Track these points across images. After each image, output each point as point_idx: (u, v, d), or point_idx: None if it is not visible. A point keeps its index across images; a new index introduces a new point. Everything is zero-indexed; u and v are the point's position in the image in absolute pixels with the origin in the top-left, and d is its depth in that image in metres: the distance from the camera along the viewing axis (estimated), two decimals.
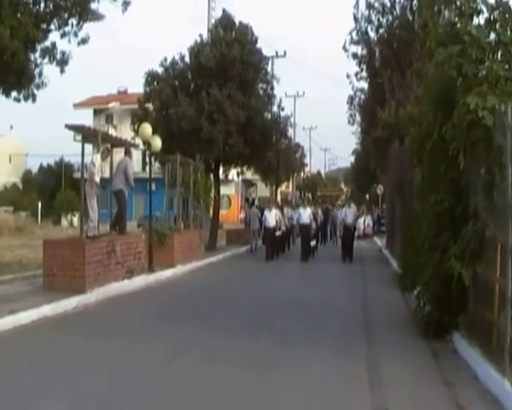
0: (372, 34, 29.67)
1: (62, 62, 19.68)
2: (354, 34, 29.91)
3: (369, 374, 9.65)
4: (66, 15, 18.94)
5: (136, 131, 27.37)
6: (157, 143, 22.58)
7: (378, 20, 29.16)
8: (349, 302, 17.65)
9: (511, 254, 8.47)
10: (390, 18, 28.74)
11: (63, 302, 15.14)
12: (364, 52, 30.28)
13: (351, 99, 34.53)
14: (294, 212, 35.04)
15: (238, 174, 42.80)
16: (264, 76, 36.46)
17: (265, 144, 36.63)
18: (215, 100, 31.40)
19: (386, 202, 45.46)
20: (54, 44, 19.50)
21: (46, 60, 19.41)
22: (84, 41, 19.82)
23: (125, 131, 48.31)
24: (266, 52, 41.24)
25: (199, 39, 34.05)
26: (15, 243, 33.04)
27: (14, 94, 19.40)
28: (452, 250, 10.79)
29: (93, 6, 19.53)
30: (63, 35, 19.33)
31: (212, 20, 39.80)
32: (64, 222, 48.82)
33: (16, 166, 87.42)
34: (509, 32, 10.59)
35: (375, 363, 10.37)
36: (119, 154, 21.48)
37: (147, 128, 22.07)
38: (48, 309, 14.32)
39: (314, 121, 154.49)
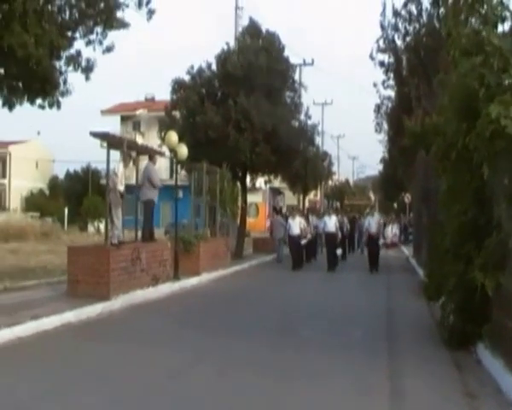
0: (399, 42, 29.48)
1: (87, 70, 19.74)
2: (381, 42, 29.72)
3: (389, 384, 9.58)
4: (91, 23, 19.04)
5: (163, 139, 27.42)
6: (183, 150, 22.62)
7: (405, 27, 28.94)
8: (373, 311, 17.55)
9: None
10: (417, 26, 28.56)
11: (87, 309, 15.21)
12: (391, 60, 30.10)
13: (377, 107, 34.43)
14: (320, 220, 34.62)
15: (265, 182, 42.80)
16: (291, 84, 36.54)
17: (292, 152, 36.56)
18: (242, 108, 31.41)
19: (413, 210, 45.25)
20: (79, 52, 19.60)
21: (71, 67, 19.51)
22: (109, 49, 19.87)
23: (152, 139, 48.44)
24: (294, 60, 41.33)
25: (226, 47, 34.10)
26: (41, 248, 33.24)
27: (38, 101, 19.52)
28: (476, 260, 10.69)
29: (118, 14, 19.61)
30: (88, 43, 19.42)
31: (239, 29, 39.82)
32: (91, 228, 49.07)
33: (43, 171, 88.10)
34: None
35: (397, 373, 10.29)
36: (145, 161, 21.60)
37: (173, 136, 22.12)
38: (71, 316, 14.39)
39: (342, 129, 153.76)
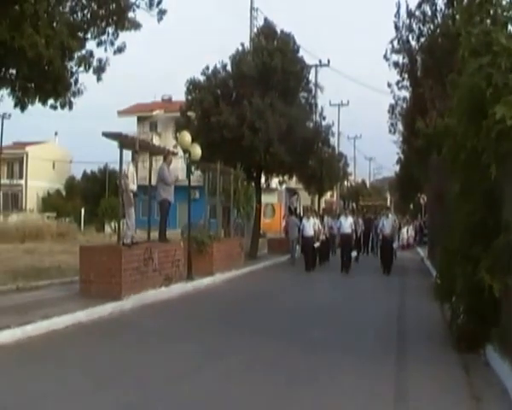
0: (413, 43, 29.47)
1: (99, 70, 19.82)
2: (395, 43, 29.72)
3: (396, 386, 9.58)
4: (103, 24, 19.12)
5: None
6: (197, 151, 22.64)
7: (419, 28, 28.96)
8: (385, 314, 17.52)
9: None
10: (431, 26, 28.53)
11: (98, 309, 15.28)
12: (406, 61, 30.07)
13: (392, 108, 34.32)
14: (335, 221, 34.41)
15: (279, 183, 42.77)
16: (305, 85, 36.53)
17: (307, 153, 36.64)
18: (257, 109, 31.44)
19: (428, 211, 45.09)
20: (90, 53, 19.69)
21: (82, 68, 19.59)
22: (120, 49, 19.94)
23: (169, 139, 48.57)
24: (310, 61, 41.33)
25: (240, 48, 34.15)
26: (57, 248, 33.35)
27: (50, 102, 19.62)
28: (483, 262, 10.66)
29: (130, 15, 19.69)
30: (99, 44, 19.51)
31: (254, 29, 39.84)
32: (107, 229, 49.15)
33: (60, 172, 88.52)
34: None
35: (404, 375, 10.29)
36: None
37: (186, 136, 22.14)
38: (82, 315, 14.45)
39: (359, 130, 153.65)
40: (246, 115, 31.36)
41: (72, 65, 19.44)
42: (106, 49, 19.75)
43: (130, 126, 68.04)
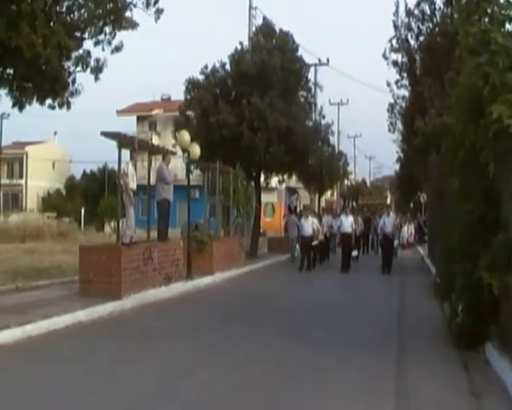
0: (412, 42, 29.46)
1: (96, 70, 19.84)
2: (394, 42, 29.71)
3: (396, 384, 9.61)
4: (100, 24, 19.14)
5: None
6: (196, 150, 22.63)
7: (418, 27, 28.95)
8: (385, 311, 17.55)
9: None
10: (430, 25, 28.52)
11: (98, 308, 15.30)
12: (405, 60, 30.06)
13: (391, 107, 34.30)
14: (335, 220, 34.41)
15: (279, 182, 42.76)
16: (305, 84, 36.49)
17: (306, 152, 36.58)
18: (256, 108, 31.43)
19: (428, 210, 45.05)
20: (88, 52, 19.70)
21: (79, 68, 19.61)
22: (117, 49, 19.97)
23: (168, 139, 48.51)
24: (309, 60, 41.34)
25: (239, 47, 34.13)
26: (57, 248, 33.41)
27: (48, 101, 19.64)
28: (482, 260, 10.67)
29: (127, 14, 19.71)
30: (97, 43, 19.53)
31: (253, 28, 39.83)
32: (107, 228, 49.20)
33: (60, 172, 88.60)
34: None
35: (404, 372, 10.32)
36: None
37: (185, 136, 22.14)
38: (82, 315, 14.47)
39: (359, 129, 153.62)
40: (245, 114, 31.35)
41: (69, 65, 19.47)
42: (103, 49, 19.79)
43: (129, 126, 68.17)
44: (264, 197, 43.58)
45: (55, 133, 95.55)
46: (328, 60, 59.32)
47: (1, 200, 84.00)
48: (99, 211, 55.20)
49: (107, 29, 19.43)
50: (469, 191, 12.04)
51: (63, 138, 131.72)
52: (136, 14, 20.22)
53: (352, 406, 8.55)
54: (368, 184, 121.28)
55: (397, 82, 31.40)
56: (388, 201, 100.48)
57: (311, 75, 41.62)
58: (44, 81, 18.66)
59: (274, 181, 42.55)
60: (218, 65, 34.07)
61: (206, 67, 34.00)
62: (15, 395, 8.70)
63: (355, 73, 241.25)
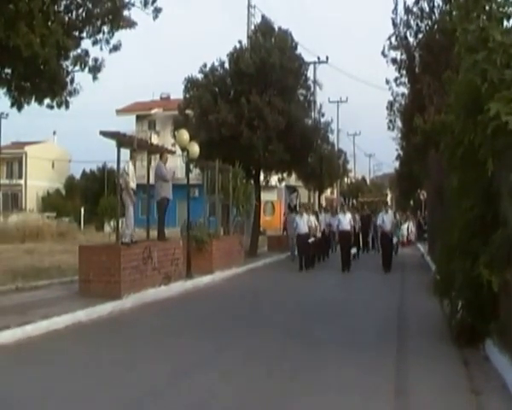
0: (411, 39, 29.42)
1: (95, 69, 19.82)
2: (393, 39, 29.65)
3: (396, 381, 9.60)
4: (98, 23, 19.13)
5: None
6: (195, 149, 22.65)
7: (417, 24, 28.92)
8: (385, 310, 17.53)
9: None
10: (429, 23, 28.50)
11: (98, 308, 15.32)
12: (404, 57, 30.01)
13: (390, 105, 34.19)
14: (334, 218, 34.00)
15: (279, 180, 42.75)
16: (304, 82, 36.47)
17: (306, 150, 36.57)
18: (255, 106, 31.44)
19: (428, 207, 45.02)
20: (86, 52, 19.69)
21: (77, 67, 19.60)
22: (115, 48, 19.93)
23: (167, 138, 48.47)
24: (308, 58, 41.35)
25: (238, 45, 34.12)
26: (57, 248, 33.44)
27: (47, 101, 19.63)
28: (482, 257, 10.67)
29: (125, 13, 19.70)
30: (95, 42, 19.52)
31: (252, 27, 39.81)
32: (107, 228, 49.11)
33: (59, 171, 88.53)
34: None
35: (404, 370, 10.32)
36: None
37: (184, 134, 22.15)
38: (82, 314, 14.48)
39: (358, 127, 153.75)
40: (244, 113, 31.36)
41: (67, 64, 19.43)
42: (101, 48, 19.78)
43: (128, 125, 67.97)
44: (264, 196, 43.57)
45: (55, 133, 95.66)
46: (327, 58, 59.38)
47: (0, 200, 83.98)
48: (99, 211, 55.08)
49: (106, 28, 19.40)
50: (468, 189, 12.04)
51: (62, 138, 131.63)
52: (135, 13, 20.24)
53: (352, 403, 8.54)
54: (368, 181, 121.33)
55: (396, 80, 31.35)
56: (388, 198, 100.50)
57: (310, 73, 41.72)
58: (43, 81, 18.64)
59: (274, 179, 42.55)
60: (217, 64, 34.11)
61: (205, 65, 34.02)
62: (16, 396, 8.69)
63: (354, 71, 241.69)
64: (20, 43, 16.54)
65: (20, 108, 19.38)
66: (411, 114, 28.79)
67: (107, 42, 19.70)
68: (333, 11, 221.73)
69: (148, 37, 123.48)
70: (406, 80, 31.12)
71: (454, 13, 21.24)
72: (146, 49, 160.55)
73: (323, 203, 60.92)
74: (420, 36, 29.07)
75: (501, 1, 11.20)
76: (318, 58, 58.13)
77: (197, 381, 9.50)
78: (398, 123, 35.35)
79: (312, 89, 40.61)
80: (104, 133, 18.05)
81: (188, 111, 35.08)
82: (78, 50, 19.51)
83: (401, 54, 30.10)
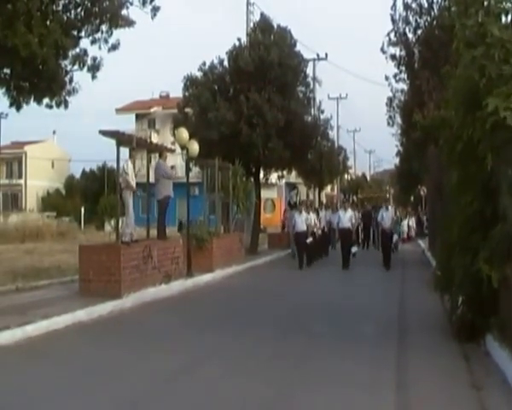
0: (410, 35, 29.39)
1: (93, 68, 19.83)
2: (392, 35, 29.62)
3: (397, 377, 9.65)
4: (97, 22, 19.13)
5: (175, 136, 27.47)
6: (195, 147, 22.64)
7: (416, 20, 28.89)
8: (385, 305, 17.54)
9: None
10: (428, 18, 28.48)
11: (98, 307, 15.30)
12: (403, 53, 29.99)
13: (390, 101, 34.18)
14: (334, 215, 33.71)
15: (279, 178, 42.75)
16: (303, 79, 36.44)
17: (305, 147, 36.59)
18: (254, 104, 31.43)
19: (428, 203, 45.02)
20: (85, 51, 19.70)
21: (76, 66, 19.60)
22: (114, 47, 19.95)
23: (167, 136, 48.44)
24: (307, 55, 41.33)
25: (237, 43, 34.10)
26: (57, 248, 33.43)
27: (46, 101, 19.64)
28: (482, 253, 10.67)
29: (124, 12, 19.71)
30: (93, 41, 19.53)
31: (251, 24, 39.77)
32: (107, 227, 49.09)
33: (59, 171, 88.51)
34: None
35: (405, 365, 10.36)
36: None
37: (184, 133, 22.15)
38: (82, 314, 14.46)
39: (358, 124, 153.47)
40: (243, 111, 31.34)
41: (66, 63, 19.44)
42: (100, 47, 19.79)
43: (128, 124, 68.01)
44: (264, 193, 43.58)
45: (54, 132, 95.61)
46: (326, 55, 59.29)
47: (0, 200, 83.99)
48: (99, 210, 55.12)
49: (104, 27, 19.41)
50: (468, 184, 12.03)
51: (62, 138, 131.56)
52: (133, 12, 20.24)
53: (354, 397, 8.58)
54: (368, 178, 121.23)
55: (395, 76, 31.32)
56: (388, 194, 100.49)
57: (309, 70, 41.65)
58: (41, 80, 18.65)
59: (273, 177, 42.54)
60: (216, 62, 34.09)
61: (204, 64, 34.03)
62: (16, 397, 8.70)
63: (354, 68, 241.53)
64: (18, 43, 16.55)
65: (18, 108, 19.40)
66: (411, 110, 28.79)
67: (106, 41, 19.73)
68: (332, 8, 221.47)
69: (146, 35, 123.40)
70: (405, 76, 31.12)
71: (452, 8, 21.30)
72: (145, 48, 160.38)
73: (324, 200, 60.81)
74: (419, 32, 29.05)
75: None
76: (317, 55, 58.13)
77: (197, 380, 9.50)
78: (398, 119, 35.37)
79: (312, 86, 40.70)
80: (104, 132, 18.04)
81: (187, 109, 35.07)
82: (77, 50, 19.54)
83: (400, 50, 30.07)
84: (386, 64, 30.69)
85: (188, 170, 23.72)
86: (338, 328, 13.86)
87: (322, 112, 42.81)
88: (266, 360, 10.72)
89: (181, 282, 20.49)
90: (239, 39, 34.50)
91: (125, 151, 20.11)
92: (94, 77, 20.02)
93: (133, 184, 18.62)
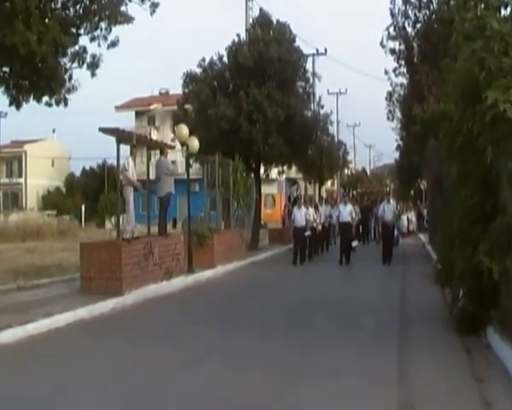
0: (409, 29, 29.38)
1: (93, 66, 19.84)
2: (391, 30, 29.62)
3: (398, 370, 9.68)
4: (95, 19, 19.12)
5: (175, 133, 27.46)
6: (194, 144, 22.66)
7: (415, 14, 28.89)
8: (386, 299, 17.59)
9: None
10: (427, 12, 28.47)
11: (100, 305, 15.31)
12: (402, 47, 29.98)
13: (389, 95, 34.19)
14: (334, 210, 33.55)
15: (279, 173, 42.75)
16: (303, 74, 36.42)
17: (305, 142, 36.56)
18: (254, 99, 31.41)
19: (428, 197, 44.99)
20: (84, 48, 19.70)
21: (75, 64, 19.61)
22: (113, 44, 19.97)
23: (167, 133, 48.56)
24: (307, 51, 41.33)
25: (236, 39, 34.09)
26: (57, 246, 33.41)
27: (45, 99, 19.64)
28: (482, 245, 10.68)
29: (122, 9, 19.72)
30: (92, 39, 19.54)
31: (250, 20, 39.75)
32: (108, 225, 49.10)
33: (59, 169, 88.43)
34: None
35: (406, 359, 10.38)
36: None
37: (184, 129, 22.16)
38: (84, 312, 14.48)
39: (358, 118, 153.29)
40: (243, 107, 31.33)
41: (65, 61, 19.46)
42: (99, 45, 19.80)
43: (128, 121, 68.12)
44: (265, 189, 43.59)
45: (54, 131, 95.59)
46: (325, 50, 59.45)
47: (1, 199, 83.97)
48: (99, 208, 55.21)
49: (103, 24, 19.42)
50: (468, 177, 12.03)
51: (62, 136, 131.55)
52: (132, 8, 20.24)
53: (356, 391, 8.61)
54: (368, 172, 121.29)
55: (395, 70, 31.34)
56: (388, 189, 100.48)
57: (308, 65, 41.75)
58: (40, 78, 18.66)
59: (274, 172, 42.55)
60: (215, 58, 34.10)
61: (203, 60, 34.01)
62: (18, 396, 8.70)
63: (353, 63, 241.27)
64: (17, 42, 16.56)
65: (18, 106, 19.41)
66: (410, 104, 28.77)
67: (105, 38, 19.74)
68: (331, 3, 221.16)
69: (145, 32, 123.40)
70: (405, 70, 31.12)
71: (452, 2, 21.30)
72: (144, 45, 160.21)
73: (324, 195, 60.79)
74: (418, 26, 29.03)
75: None
76: (317, 50, 58.28)
77: (198, 375, 9.56)
78: (398, 113, 35.40)
79: (311, 81, 40.69)
80: (103, 130, 18.03)
81: (187, 106, 35.10)
82: (76, 47, 19.54)
83: (399, 44, 30.08)
84: (385, 58, 30.73)
85: (188, 166, 23.73)
86: (339, 322, 13.86)
87: (322, 107, 42.77)
88: (268, 356, 10.76)
89: (182, 278, 20.51)
90: (238, 35, 34.56)
91: (125, 148, 20.12)
92: (93, 74, 20.04)
93: (134, 180, 18.63)
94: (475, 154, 11.07)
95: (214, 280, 22.38)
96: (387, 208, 28.92)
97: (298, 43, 36.15)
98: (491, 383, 8.77)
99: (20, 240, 39.02)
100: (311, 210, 30.38)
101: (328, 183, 74.48)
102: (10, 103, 19.37)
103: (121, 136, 18.72)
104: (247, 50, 32.72)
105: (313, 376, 9.37)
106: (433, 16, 28.27)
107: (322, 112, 42.58)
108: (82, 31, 19.28)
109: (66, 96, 19.92)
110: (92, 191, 69.12)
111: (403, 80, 32.75)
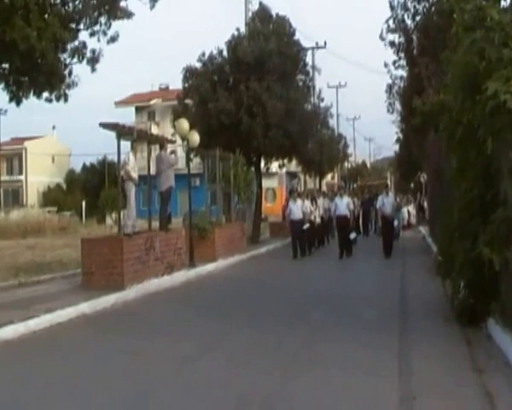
0: (409, 22, 29.32)
1: (93, 61, 19.83)
2: (391, 22, 29.55)
3: (399, 362, 9.68)
4: (95, 14, 19.11)
5: (175, 127, 27.45)
6: (195, 138, 22.68)
7: (414, 7, 28.81)
8: (387, 291, 17.57)
9: None
10: (426, 4, 28.41)
11: (101, 300, 15.33)
12: (401, 40, 29.92)
13: (389, 88, 34.10)
14: (331, 203, 32.52)
15: (279, 167, 42.79)
16: (302, 68, 36.45)
17: (306, 136, 36.53)
18: (254, 93, 31.43)
19: (428, 189, 44.97)
20: (83, 44, 19.68)
21: (75, 59, 19.59)
22: (113, 39, 19.93)
23: (167, 128, 48.59)
24: (306, 44, 41.30)
25: (236, 33, 34.09)
26: (58, 242, 33.45)
27: (45, 95, 19.63)
28: (482, 237, 10.69)
29: (122, 4, 19.72)
30: (92, 34, 19.52)
31: (250, 14, 39.71)
32: (109, 221, 49.10)
33: (59, 166, 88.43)
34: None
35: (407, 351, 10.37)
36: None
37: (184, 124, 22.17)
38: (86, 307, 14.50)
39: (358, 111, 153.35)
40: (243, 100, 31.35)
41: (65, 57, 19.42)
42: (99, 40, 19.78)
43: (128, 117, 68.07)
44: (265, 182, 43.65)
45: (54, 127, 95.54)
46: (325, 43, 59.40)
47: (1, 196, 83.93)
48: (100, 203, 55.22)
49: (103, 19, 19.39)
50: (468, 169, 12.04)
51: (62, 132, 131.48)
52: (131, 3, 20.22)
53: (357, 382, 8.64)
54: (368, 165, 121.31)
55: (394, 63, 31.23)
56: (388, 181, 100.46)
57: (308, 59, 41.71)
58: (40, 74, 18.62)
59: (274, 166, 42.56)
60: (215, 52, 34.05)
61: (203, 54, 33.96)
62: (21, 391, 8.74)
63: (353, 56, 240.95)
64: (16, 38, 16.54)
65: (18, 102, 19.37)
66: (410, 97, 28.70)
67: (105, 33, 19.70)
68: None
69: (145, 27, 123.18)
70: (404, 63, 31.06)
71: None
72: (143, 40, 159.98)
73: (324, 188, 60.83)
74: (417, 18, 28.96)
75: None
76: (316, 43, 58.23)
77: (201, 369, 9.57)
78: (398, 106, 35.29)
79: (311, 74, 40.72)
80: (104, 125, 18.03)
81: (187, 100, 35.07)
82: (76, 42, 19.51)
83: (399, 37, 29.96)
84: (385, 51, 30.64)
85: (188, 161, 23.76)
86: (340, 315, 13.88)
87: (322, 100, 42.92)
88: (269, 348, 10.76)
89: (183, 272, 20.54)
90: (238, 29, 34.57)
91: (125, 144, 20.12)
92: (93, 69, 20.01)
93: (135, 176, 18.64)
94: (475, 145, 11.08)
95: (215, 274, 22.41)
96: (386, 201, 28.49)
97: (297, 36, 36.20)
98: (491, 374, 8.78)
99: (20, 237, 39.08)
100: (308, 202, 30.02)
101: (329, 176, 74.50)
102: (10, 100, 19.33)
103: (121, 131, 18.73)
104: (247, 44, 32.72)
105: (314, 367, 9.39)
106: (433, 8, 28.22)
107: (322, 105, 42.71)
108: (81, 26, 19.24)
109: (67, 91, 19.87)
110: (92, 187, 69.07)
111: (402, 73, 32.70)
